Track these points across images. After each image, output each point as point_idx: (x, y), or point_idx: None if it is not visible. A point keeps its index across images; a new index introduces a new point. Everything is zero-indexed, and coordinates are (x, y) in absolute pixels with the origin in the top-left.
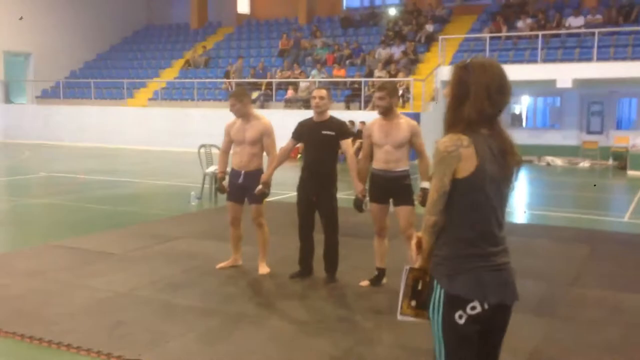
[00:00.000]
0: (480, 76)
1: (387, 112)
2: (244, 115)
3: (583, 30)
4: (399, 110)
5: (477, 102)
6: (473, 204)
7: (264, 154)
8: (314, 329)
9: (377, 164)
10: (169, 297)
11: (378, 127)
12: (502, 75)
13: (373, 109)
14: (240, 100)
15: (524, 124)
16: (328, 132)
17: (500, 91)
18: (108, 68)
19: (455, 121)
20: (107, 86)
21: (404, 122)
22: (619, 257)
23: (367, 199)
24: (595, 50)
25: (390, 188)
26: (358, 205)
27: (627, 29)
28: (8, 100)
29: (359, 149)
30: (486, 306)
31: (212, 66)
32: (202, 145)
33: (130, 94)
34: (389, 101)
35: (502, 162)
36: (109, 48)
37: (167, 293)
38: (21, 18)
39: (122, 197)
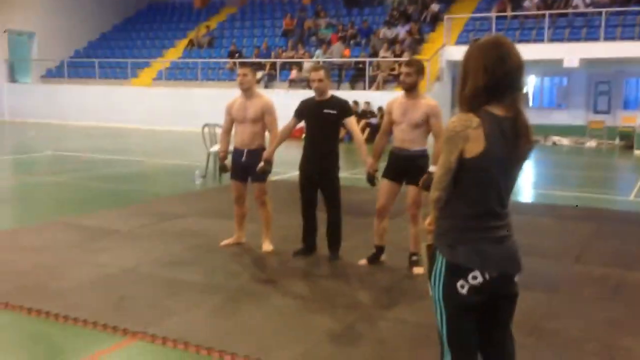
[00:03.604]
0: (479, 51)
1: (410, 89)
2: (250, 88)
3: (590, 9)
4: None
5: (474, 76)
6: (477, 183)
7: (266, 132)
8: (316, 305)
9: (395, 142)
10: (173, 274)
11: (398, 104)
12: (502, 48)
13: (378, 88)
14: (253, 72)
15: (530, 103)
16: (330, 111)
17: (498, 62)
18: (112, 47)
19: (460, 99)
20: (111, 66)
21: (424, 102)
22: (623, 235)
23: (378, 174)
24: (602, 29)
25: (404, 167)
26: (370, 179)
27: (635, 9)
28: (13, 79)
29: (362, 129)
30: (487, 276)
31: (216, 46)
32: (206, 125)
33: (134, 74)
34: (415, 78)
35: (513, 144)
36: (112, 27)
37: (171, 270)
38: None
39: (127, 176)
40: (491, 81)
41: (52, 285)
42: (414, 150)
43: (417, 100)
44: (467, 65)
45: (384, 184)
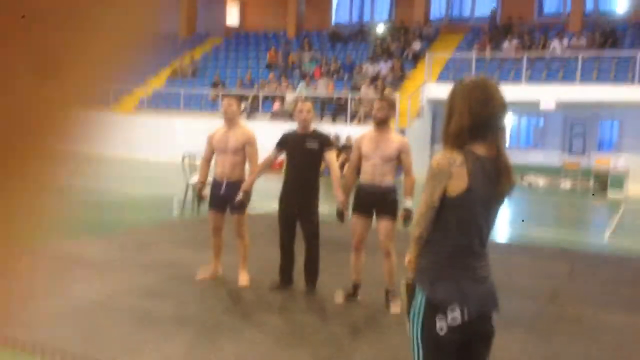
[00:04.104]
0: (465, 91)
1: (382, 124)
2: (234, 119)
3: (567, 53)
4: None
5: (459, 116)
6: (459, 221)
7: (247, 164)
8: (291, 340)
9: (364, 177)
10: (147, 306)
11: (368, 139)
12: (488, 90)
13: (359, 122)
14: (238, 102)
15: (507, 143)
16: (312, 144)
17: (483, 103)
18: None
19: (444, 137)
20: None
21: (394, 138)
22: (596, 276)
23: (348, 210)
24: (578, 73)
25: (375, 201)
26: (340, 215)
27: (610, 54)
28: None
29: (343, 163)
30: (466, 315)
31: (199, 76)
32: (186, 155)
33: (115, 99)
34: (387, 113)
35: (495, 182)
36: None
37: (144, 301)
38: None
39: (103, 204)
40: (475, 121)
41: (22, 315)
42: (384, 185)
43: (388, 135)
44: (452, 104)
45: (355, 220)
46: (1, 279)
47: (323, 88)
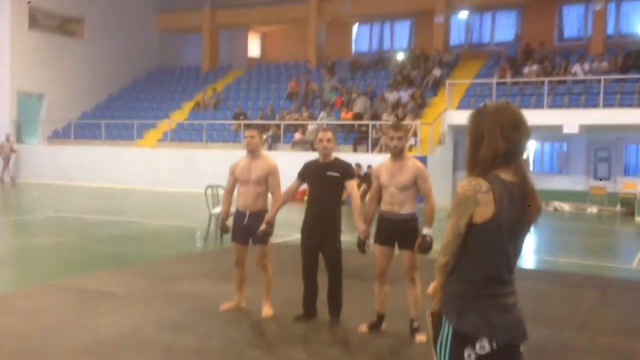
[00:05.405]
0: (494, 116)
1: (400, 153)
2: (256, 150)
3: (589, 77)
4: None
5: (491, 141)
6: (486, 248)
7: (269, 194)
8: None
9: (384, 206)
10: (171, 339)
11: (385, 168)
12: (516, 114)
13: (381, 151)
14: (260, 134)
15: (530, 168)
16: (333, 174)
17: (514, 127)
18: (119, 109)
19: (473, 164)
20: (117, 127)
21: (410, 164)
22: (627, 304)
23: (370, 240)
24: (601, 96)
25: (395, 231)
26: (360, 246)
27: (633, 77)
28: (19, 140)
29: (365, 192)
30: (495, 346)
31: (221, 108)
32: (209, 186)
33: (140, 135)
34: (405, 142)
35: (521, 209)
36: (120, 89)
37: (168, 334)
38: (29, 2)
39: (128, 237)
40: (509, 146)
41: (47, 350)
42: (404, 213)
43: (404, 162)
44: (479, 130)
45: (377, 250)
46: (28, 314)
47: (362, 106)
